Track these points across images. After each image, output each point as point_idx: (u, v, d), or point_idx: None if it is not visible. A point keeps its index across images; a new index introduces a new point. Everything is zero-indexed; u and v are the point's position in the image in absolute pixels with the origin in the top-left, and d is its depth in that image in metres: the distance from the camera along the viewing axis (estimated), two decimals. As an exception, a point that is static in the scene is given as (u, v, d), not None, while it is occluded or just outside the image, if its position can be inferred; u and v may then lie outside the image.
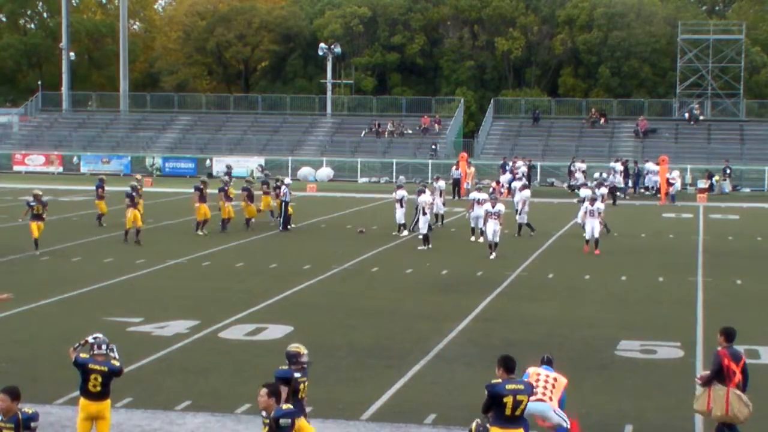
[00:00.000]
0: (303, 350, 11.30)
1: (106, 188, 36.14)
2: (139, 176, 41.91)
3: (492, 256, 28.28)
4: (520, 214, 34.24)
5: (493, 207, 29.08)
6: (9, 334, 18.76)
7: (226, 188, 34.21)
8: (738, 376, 12.30)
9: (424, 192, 31.59)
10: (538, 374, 11.93)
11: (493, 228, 28.67)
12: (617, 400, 14.87)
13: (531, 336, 18.92)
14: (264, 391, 10.01)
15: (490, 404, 10.61)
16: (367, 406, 14.29)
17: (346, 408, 14.16)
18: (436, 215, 35.33)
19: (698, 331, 19.58)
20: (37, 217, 28.31)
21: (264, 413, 10.04)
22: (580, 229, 31.64)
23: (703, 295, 23.57)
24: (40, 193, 28.83)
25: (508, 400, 10.48)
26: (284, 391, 10.82)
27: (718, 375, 12.28)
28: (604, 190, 36.98)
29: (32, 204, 28.40)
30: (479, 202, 31.98)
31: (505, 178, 49.06)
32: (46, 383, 15.19)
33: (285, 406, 9.98)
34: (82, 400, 11.59)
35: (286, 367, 11.14)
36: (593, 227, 30.16)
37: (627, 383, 15.77)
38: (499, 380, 10.65)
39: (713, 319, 20.69)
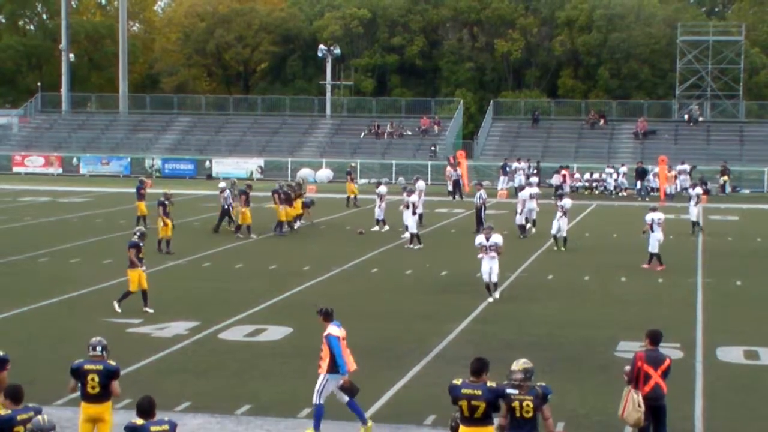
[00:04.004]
0: (517, 366, 10.60)
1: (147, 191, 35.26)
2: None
3: (491, 299, 22.51)
4: (520, 214, 34.28)
5: (488, 239, 22.42)
6: (9, 335, 18.74)
7: (281, 191, 34.03)
8: (654, 381, 12.16)
9: (413, 192, 33.31)
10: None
11: (489, 265, 22.36)
12: (617, 401, 14.81)
13: (531, 337, 18.91)
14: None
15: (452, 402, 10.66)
16: (367, 406, 14.28)
17: (346, 408, 14.14)
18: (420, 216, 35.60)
19: (698, 332, 19.56)
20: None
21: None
22: (582, 231, 31.51)
23: (703, 295, 23.56)
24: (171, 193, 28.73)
25: (463, 403, 10.46)
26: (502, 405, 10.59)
27: (633, 377, 12.21)
28: (699, 190, 37.44)
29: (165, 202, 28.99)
30: (532, 197, 34.89)
31: (555, 180, 50.88)
32: (45, 384, 15.18)
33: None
34: (82, 403, 11.58)
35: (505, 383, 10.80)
36: (659, 240, 27.14)
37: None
38: (458, 381, 10.62)
39: (713, 320, 20.73)
